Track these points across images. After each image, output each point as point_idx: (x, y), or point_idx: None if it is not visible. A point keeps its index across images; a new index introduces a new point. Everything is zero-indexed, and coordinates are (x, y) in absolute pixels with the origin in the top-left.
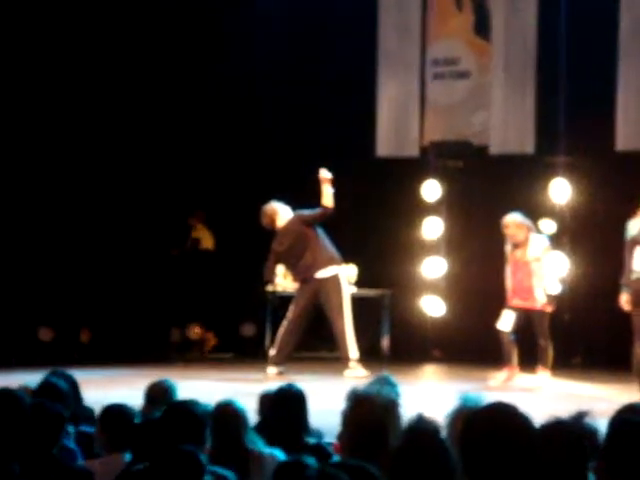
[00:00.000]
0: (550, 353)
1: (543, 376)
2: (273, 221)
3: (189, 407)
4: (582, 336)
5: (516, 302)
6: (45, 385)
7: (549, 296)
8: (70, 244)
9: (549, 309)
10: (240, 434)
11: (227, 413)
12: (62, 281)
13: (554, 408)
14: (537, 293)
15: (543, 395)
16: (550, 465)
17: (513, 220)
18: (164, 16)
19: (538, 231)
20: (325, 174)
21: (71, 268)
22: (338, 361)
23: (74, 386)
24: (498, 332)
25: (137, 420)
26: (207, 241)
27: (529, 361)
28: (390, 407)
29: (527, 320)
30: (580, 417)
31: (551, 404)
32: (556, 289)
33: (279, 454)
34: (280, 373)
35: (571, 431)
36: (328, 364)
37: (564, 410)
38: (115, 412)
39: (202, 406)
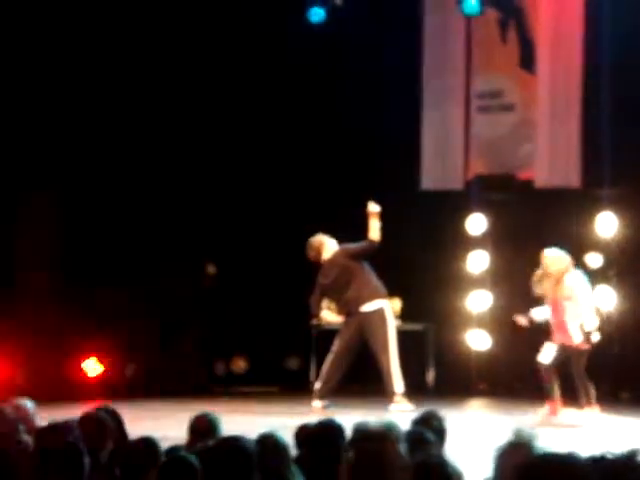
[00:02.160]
0: (591, 389)
1: (590, 412)
2: (319, 254)
3: (237, 442)
4: (631, 370)
5: (558, 338)
6: (87, 419)
7: (586, 334)
8: (110, 277)
9: (585, 347)
10: (281, 467)
11: (268, 446)
12: (107, 314)
13: (600, 445)
14: (572, 331)
15: (589, 431)
16: None
17: (549, 254)
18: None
19: (580, 266)
20: (373, 207)
21: (113, 298)
22: (384, 395)
23: (118, 421)
24: (538, 365)
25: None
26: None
27: (576, 396)
28: (390, 444)
29: (567, 356)
30: (631, 455)
31: (597, 440)
32: (593, 325)
33: None
34: (325, 407)
35: (620, 469)
36: (374, 398)
37: (610, 446)
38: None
39: (249, 441)
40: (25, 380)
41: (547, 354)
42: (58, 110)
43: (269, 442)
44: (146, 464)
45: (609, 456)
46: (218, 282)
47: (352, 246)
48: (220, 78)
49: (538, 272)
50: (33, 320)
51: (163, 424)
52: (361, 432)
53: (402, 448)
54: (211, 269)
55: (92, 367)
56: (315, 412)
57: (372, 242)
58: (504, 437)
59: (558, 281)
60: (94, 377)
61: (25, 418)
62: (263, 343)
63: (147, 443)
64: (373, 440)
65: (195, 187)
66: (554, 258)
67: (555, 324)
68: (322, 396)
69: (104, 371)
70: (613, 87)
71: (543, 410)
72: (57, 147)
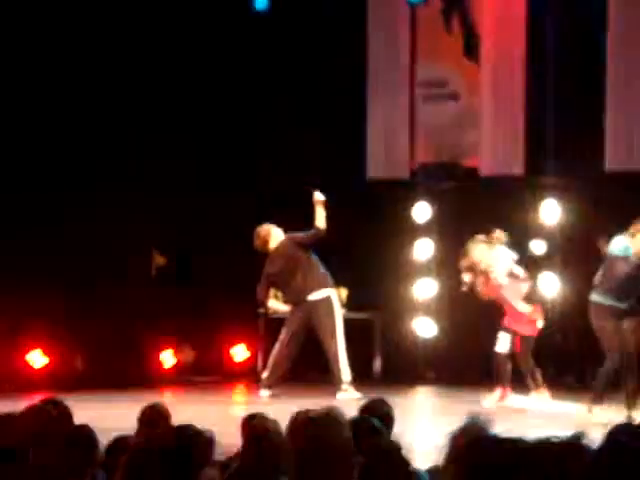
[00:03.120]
0: (538, 374)
1: (538, 396)
2: (266, 243)
3: (196, 429)
4: (574, 355)
5: (507, 323)
6: (32, 411)
7: (532, 320)
8: (61, 269)
9: (532, 333)
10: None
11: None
12: (55, 307)
13: (546, 429)
14: (519, 317)
15: (537, 416)
16: None
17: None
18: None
19: (524, 253)
20: (319, 196)
21: (63, 294)
22: (331, 384)
23: (65, 412)
24: (496, 355)
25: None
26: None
27: (522, 382)
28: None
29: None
30: (576, 438)
31: (544, 425)
32: (524, 310)
33: None
34: (273, 396)
35: (560, 452)
36: (321, 387)
37: (556, 430)
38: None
39: (201, 430)
40: None
41: (503, 343)
42: None
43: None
44: (84, 455)
45: (554, 439)
46: (166, 271)
47: (299, 235)
48: (165, 63)
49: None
50: None
51: (111, 415)
52: (303, 419)
53: (346, 433)
54: (160, 259)
55: (37, 359)
56: (263, 402)
57: (318, 230)
58: (453, 424)
59: (487, 273)
60: (39, 369)
61: None
62: (210, 333)
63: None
64: (315, 426)
65: (146, 175)
66: (482, 250)
67: (504, 310)
68: (269, 385)
69: (50, 363)
70: (557, 75)
71: (493, 395)
72: None
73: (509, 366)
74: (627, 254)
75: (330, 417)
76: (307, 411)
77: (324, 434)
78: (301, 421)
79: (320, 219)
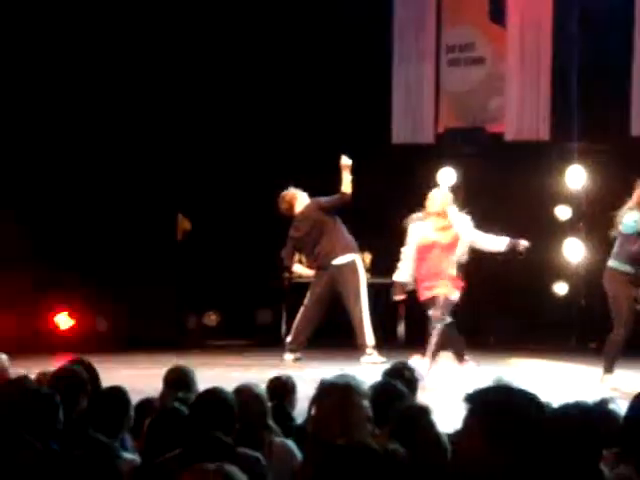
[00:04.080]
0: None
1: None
2: (291, 207)
3: (219, 394)
4: (598, 321)
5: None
6: (63, 371)
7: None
8: (83, 233)
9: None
10: (261, 418)
11: (246, 397)
12: (77, 271)
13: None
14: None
15: (557, 382)
16: (560, 449)
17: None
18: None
19: (549, 218)
20: (346, 160)
21: (85, 259)
22: (355, 348)
23: (93, 374)
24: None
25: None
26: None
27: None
28: (350, 396)
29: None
30: (603, 403)
31: (569, 391)
32: None
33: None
34: (297, 359)
35: (586, 416)
36: (345, 351)
37: (581, 395)
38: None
39: (229, 393)
40: None
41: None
42: None
43: (247, 394)
44: (118, 414)
45: (581, 404)
46: (190, 236)
47: (324, 199)
48: (189, 31)
49: None
50: (3, 276)
51: (136, 377)
52: (323, 387)
53: (365, 402)
54: (185, 224)
55: (63, 321)
56: (287, 365)
57: (344, 195)
58: (476, 386)
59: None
60: (65, 330)
61: None
62: (235, 296)
63: (118, 392)
64: (333, 395)
65: (168, 142)
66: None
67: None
68: (294, 349)
69: (75, 325)
70: (583, 40)
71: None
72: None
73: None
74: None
75: (346, 386)
76: (328, 379)
77: (339, 403)
78: (324, 389)
79: (346, 184)
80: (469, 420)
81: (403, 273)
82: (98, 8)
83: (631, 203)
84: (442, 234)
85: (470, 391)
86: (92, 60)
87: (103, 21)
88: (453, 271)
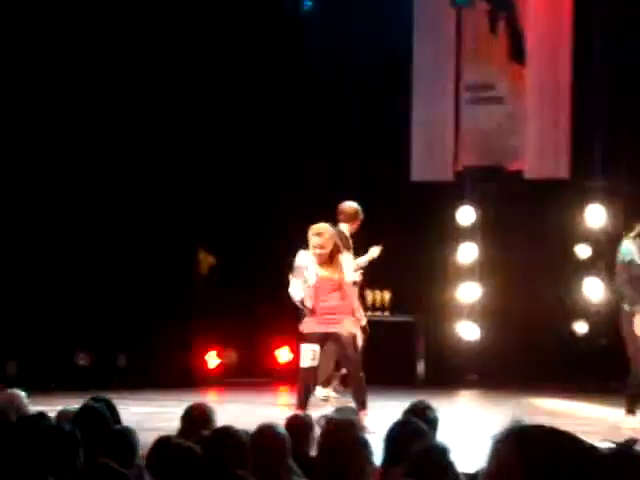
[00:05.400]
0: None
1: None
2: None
3: (233, 432)
4: (619, 360)
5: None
6: (86, 409)
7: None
8: (104, 270)
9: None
10: (281, 458)
11: (268, 436)
12: (99, 306)
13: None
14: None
15: (579, 422)
16: None
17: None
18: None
19: (569, 257)
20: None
21: (106, 294)
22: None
23: (113, 411)
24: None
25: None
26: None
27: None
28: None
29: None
30: (628, 446)
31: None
32: None
33: None
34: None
35: (615, 459)
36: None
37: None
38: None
39: (244, 431)
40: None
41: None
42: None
43: (268, 433)
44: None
45: (606, 446)
46: (214, 271)
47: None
48: (210, 65)
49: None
50: None
51: (156, 414)
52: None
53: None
54: (209, 259)
55: (83, 358)
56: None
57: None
58: (496, 427)
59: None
60: (84, 367)
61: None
62: (254, 334)
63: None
64: (338, 432)
65: (188, 180)
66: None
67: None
68: (321, 384)
69: (94, 361)
70: (603, 79)
71: None
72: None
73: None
74: (629, 259)
75: (349, 423)
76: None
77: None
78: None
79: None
80: (507, 457)
81: None
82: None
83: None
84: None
85: (507, 427)
86: (117, 87)
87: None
88: None
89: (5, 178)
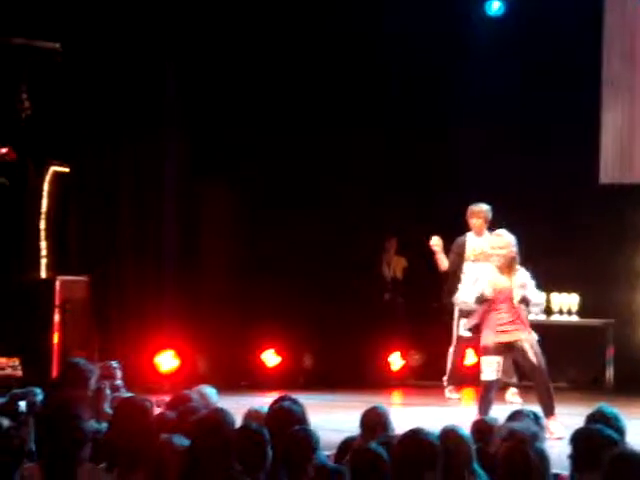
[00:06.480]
0: None
1: None
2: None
3: (422, 435)
4: None
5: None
6: (279, 409)
7: None
8: (292, 269)
9: None
10: (466, 460)
11: (453, 439)
12: (287, 307)
13: None
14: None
15: None
16: None
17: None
18: None
19: None
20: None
21: (296, 294)
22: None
23: (300, 411)
24: None
25: None
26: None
27: None
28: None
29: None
30: None
31: None
32: None
33: None
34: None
35: None
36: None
37: None
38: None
39: (433, 434)
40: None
41: None
42: None
43: (452, 436)
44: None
45: None
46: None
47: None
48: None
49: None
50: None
51: (337, 416)
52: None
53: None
54: (403, 262)
55: (271, 358)
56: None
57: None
58: None
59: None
60: (272, 368)
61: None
62: (433, 337)
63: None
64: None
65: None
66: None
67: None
68: (454, 385)
69: (282, 362)
70: None
71: None
72: None
73: None
74: None
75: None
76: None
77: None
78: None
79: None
80: None
81: None
82: None
83: None
84: None
85: None
86: None
87: None
88: None
89: None
